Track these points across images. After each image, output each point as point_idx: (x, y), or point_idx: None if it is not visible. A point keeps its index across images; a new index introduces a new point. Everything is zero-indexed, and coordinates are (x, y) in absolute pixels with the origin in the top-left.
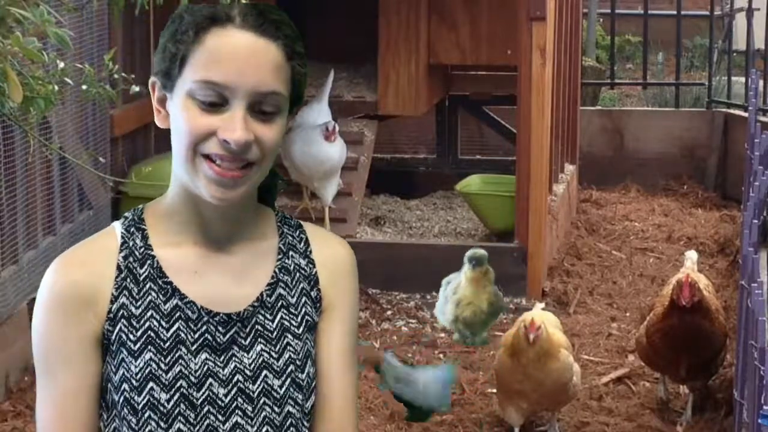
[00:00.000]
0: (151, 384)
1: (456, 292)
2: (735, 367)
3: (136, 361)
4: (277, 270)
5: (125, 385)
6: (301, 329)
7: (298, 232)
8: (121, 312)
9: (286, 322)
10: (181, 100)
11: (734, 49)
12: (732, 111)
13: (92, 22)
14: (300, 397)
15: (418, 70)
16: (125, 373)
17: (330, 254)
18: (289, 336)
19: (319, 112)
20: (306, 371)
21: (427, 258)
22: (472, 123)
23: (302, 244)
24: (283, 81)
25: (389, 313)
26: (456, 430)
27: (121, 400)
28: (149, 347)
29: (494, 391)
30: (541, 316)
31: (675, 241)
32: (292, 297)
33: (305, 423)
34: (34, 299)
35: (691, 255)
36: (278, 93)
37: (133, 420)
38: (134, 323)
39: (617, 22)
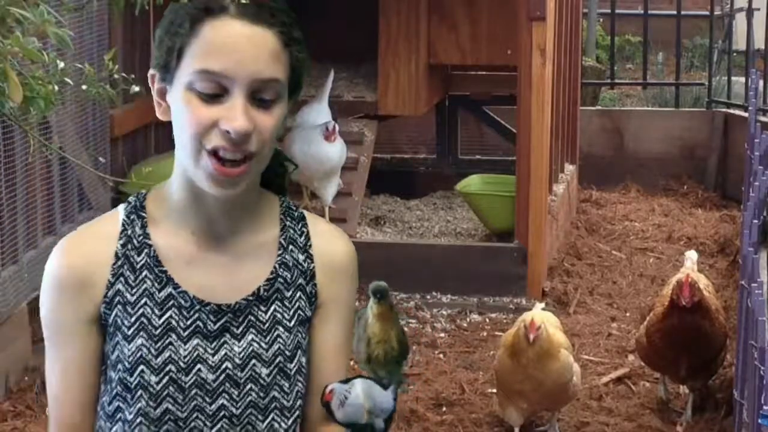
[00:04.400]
0: (141, 367)
1: (366, 330)
2: (735, 367)
3: (129, 345)
4: (277, 266)
5: (120, 366)
6: (293, 323)
7: (300, 225)
8: (117, 298)
9: (278, 315)
10: (180, 92)
11: (734, 49)
12: (732, 111)
13: (92, 22)
14: (286, 384)
15: (418, 70)
16: (119, 354)
17: (329, 251)
18: (281, 328)
19: (319, 112)
20: (295, 361)
21: (427, 258)
22: (472, 123)
23: (303, 238)
24: (281, 68)
25: None
26: (456, 430)
27: (116, 378)
28: (141, 333)
29: (494, 391)
30: (541, 316)
31: (675, 241)
32: (288, 291)
33: (296, 403)
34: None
35: (691, 255)
36: (277, 80)
37: (128, 396)
38: (129, 309)
39: (617, 22)
